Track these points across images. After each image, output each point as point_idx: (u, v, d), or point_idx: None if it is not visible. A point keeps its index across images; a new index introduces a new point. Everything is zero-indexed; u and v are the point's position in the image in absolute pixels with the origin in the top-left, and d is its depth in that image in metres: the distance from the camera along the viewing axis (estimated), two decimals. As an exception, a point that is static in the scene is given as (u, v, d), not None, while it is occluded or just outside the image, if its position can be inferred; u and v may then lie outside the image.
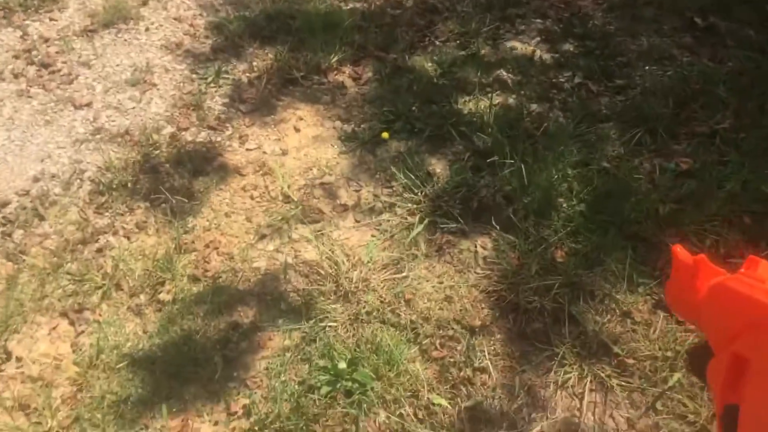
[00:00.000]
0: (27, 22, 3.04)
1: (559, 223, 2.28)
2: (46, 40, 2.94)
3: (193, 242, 2.25)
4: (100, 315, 2.04)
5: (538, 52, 3.17)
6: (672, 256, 0.69)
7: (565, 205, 2.36)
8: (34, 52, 2.89)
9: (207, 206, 2.38)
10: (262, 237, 2.28)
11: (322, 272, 2.14)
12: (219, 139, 2.65)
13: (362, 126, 2.71)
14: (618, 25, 3.43)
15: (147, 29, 3.10)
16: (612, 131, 2.72)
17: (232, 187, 2.46)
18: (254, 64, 3.02)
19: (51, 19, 3.07)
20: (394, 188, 2.43)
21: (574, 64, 3.10)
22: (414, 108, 2.73)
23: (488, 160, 2.49)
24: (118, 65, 2.90)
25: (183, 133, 2.64)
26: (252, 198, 2.42)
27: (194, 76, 2.92)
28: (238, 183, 2.48)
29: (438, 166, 2.52)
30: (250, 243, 2.26)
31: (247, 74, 2.96)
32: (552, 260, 2.18)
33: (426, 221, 2.26)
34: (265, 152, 2.60)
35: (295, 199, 2.39)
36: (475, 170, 2.48)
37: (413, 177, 2.41)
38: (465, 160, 2.52)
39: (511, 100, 2.84)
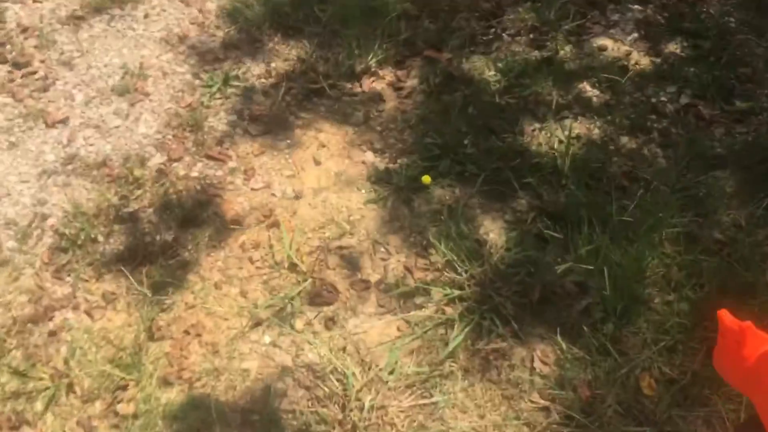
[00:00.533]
0: (6, 4, 2.52)
1: (649, 333, 1.68)
2: (25, 30, 2.43)
3: (170, 326, 1.77)
4: (41, 431, 1.60)
5: (634, 55, 2.47)
6: (718, 321, 0.64)
7: (658, 301, 1.74)
8: (8, 47, 2.39)
9: (194, 272, 1.88)
10: (258, 323, 1.77)
11: (327, 389, 1.63)
12: (219, 173, 2.12)
13: (399, 161, 2.12)
14: (740, 17, 2.66)
15: (146, 15, 2.54)
16: (728, 183, 2.04)
17: (229, 244, 1.95)
18: (272, 65, 2.43)
19: (35, 1, 2.55)
20: (432, 260, 1.86)
21: (680, 75, 2.39)
22: (467, 141, 2.12)
23: (558, 227, 1.88)
24: (106, 65, 2.38)
25: (174, 165, 2.12)
26: (251, 261, 1.90)
27: (197, 82, 2.36)
28: (236, 238, 1.96)
29: (492, 231, 1.92)
30: (242, 331, 1.76)
31: (263, 80, 2.39)
32: (636, 392, 1.60)
33: (468, 327, 1.70)
34: (274, 194, 2.06)
35: (304, 269, 1.86)
36: (540, 241, 1.88)
37: (457, 248, 1.83)
38: (527, 222, 1.91)
39: (595, 131, 2.18)
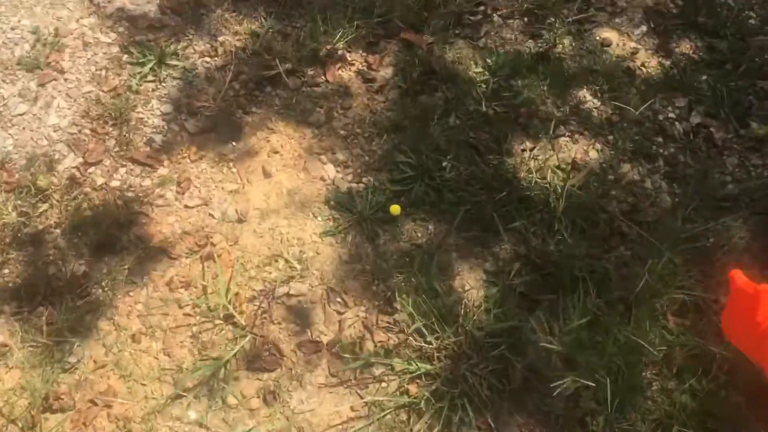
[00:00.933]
0: None
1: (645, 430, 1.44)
2: None
3: (73, 392, 1.46)
4: None
5: (641, 55, 2.12)
6: (730, 282, 0.56)
7: (656, 388, 1.50)
8: None
9: (107, 317, 1.55)
10: (182, 394, 1.47)
11: (262, 488, 1.36)
12: (146, 183, 1.74)
13: (364, 180, 1.78)
14: (762, 14, 2.31)
15: (65, -37, 2.06)
16: (740, 233, 1.77)
17: (153, 280, 1.61)
18: (219, 41, 2.01)
19: None
20: (397, 318, 1.57)
21: (692, 84, 2.06)
22: (446, 162, 1.78)
23: (546, 284, 1.60)
24: (13, 29, 1.92)
25: (91, 170, 1.74)
26: (179, 305, 1.58)
27: (125, 57, 1.94)
28: (163, 273, 1.62)
29: (469, 283, 1.63)
30: (163, 402, 1.46)
31: (206, 59, 1.97)
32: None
33: (434, 415, 1.43)
34: (212, 214, 1.71)
35: (243, 322, 1.55)
36: (525, 301, 1.59)
37: (427, 307, 1.54)
38: (511, 276, 1.62)
39: (593, 155, 1.86)
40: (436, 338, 1.51)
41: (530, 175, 1.77)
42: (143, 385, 1.48)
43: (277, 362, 1.51)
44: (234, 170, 1.79)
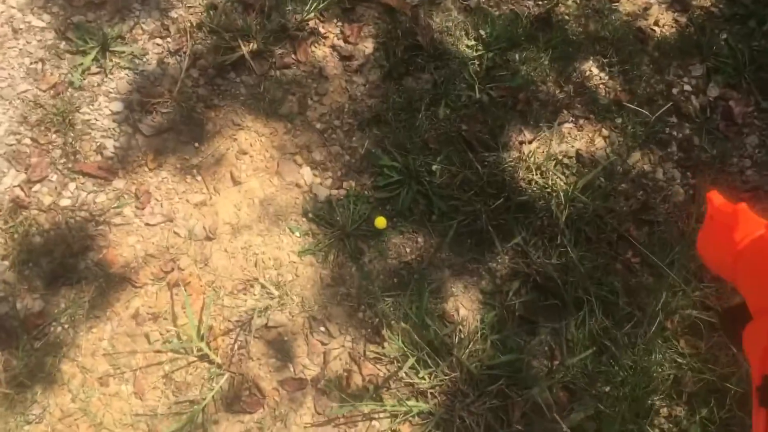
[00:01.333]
0: None
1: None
2: None
3: (41, 445, 1.35)
4: None
5: (654, 12, 1.89)
6: (707, 203, 0.60)
7: (664, 414, 1.41)
8: None
9: (70, 359, 1.42)
10: (158, 440, 1.37)
11: None
12: (100, 199, 1.56)
13: (345, 185, 1.60)
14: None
15: (-18, -74, 1.74)
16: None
17: (117, 313, 1.47)
18: (172, 18, 1.75)
19: None
20: (386, 353, 1.44)
21: (710, 46, 1.85)
22: (436, 166, 1.59)
23: (548, 305, 1.47)
24: (-73, 14, 1.65)
25: (36, 188, 1.54)
26: (148, 341, 1.45)
27: (64, 45, 1.68)
28: (126, 303, 1.47)
29: (464, 305, 1.50)
30: (137, 452, 1.36)
31: (157, 41, 1.72)
32: None
33: (430, 465, 1.34)
34: (177, 232, 1.54)
35: (219, 360, 1.42)
36: (525, 324, 1.47)
37: (418, 334, 1.41)
38: (509, 296, 1.49)
39: (600, 144, 1.68)
40: (430, 374, 1.39)
41: (530, 175, 1.59)
42: (115, 434, 1.38)
43: (258, 402, 1.40)
44: (198, 178, 1.60)
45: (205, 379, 1.41)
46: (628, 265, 1.54)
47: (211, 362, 1.42)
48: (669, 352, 1.43)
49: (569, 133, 1.67)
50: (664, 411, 1.41)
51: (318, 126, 1.67)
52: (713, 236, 0.59)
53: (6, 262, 1.47)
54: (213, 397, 1.39)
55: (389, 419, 1.39)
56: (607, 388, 1.40)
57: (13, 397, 1.38)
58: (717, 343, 1.45)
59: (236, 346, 1.44)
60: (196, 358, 1.42)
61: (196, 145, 1.63)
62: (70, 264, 1.49)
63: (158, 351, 1.44)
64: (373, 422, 1.39)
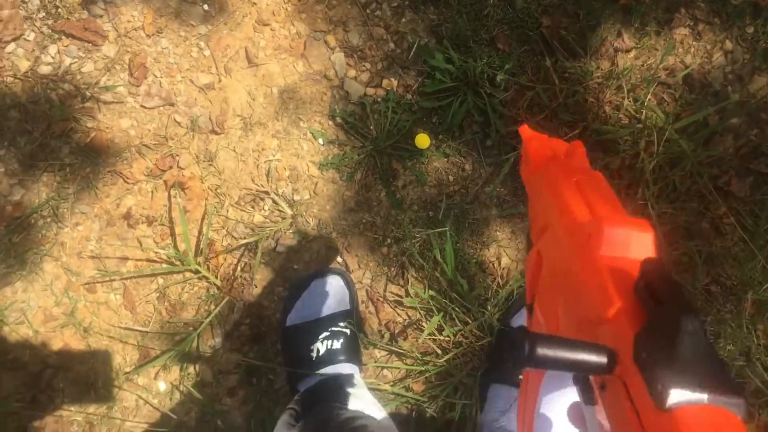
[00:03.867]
0: None
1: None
2: None
3: (22, 349, 1.25)
4: None
5: None
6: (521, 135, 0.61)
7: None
8: None
9: (53, 257, 1.26)
10: (147, 358, 1.25)
11: (238, 486, 1.22)
12: (87, 68, 1.28)
13: (384, 84, 1.28)
14: None
15: None
16: None
17: (107, 211, 1.28)
18: None
19: None
20: (409, 301, 1.25)
21: None
22: (502, 71, 1.25)
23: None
24: None
25: (10, 49, 1.27)
26: (141, 248, 1.27)
27: None
28: (118, 200, 1.28)
29: (507, 253, 1.26)
30: (127, 369, 1.25)
31: None
32: None
33: (440, 419, 1.20)
34: (178, 121, 1.29)
35: (218, 282, 1.25)
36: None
37: (447, 289, 1.21)
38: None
39: (717, 59, 1.30)
40: (456, 332, 1.20)
41: (620, 98, 1.24)
42: (104, 345, 1.26)
43: (260, 335, 1.25)
44: (206, 53, 1.29)
45: (203, 299, 1.25)
46: (718, 225, 1.26)
47: (209, 282, 1.25)
48: (742, 339, 1.20)
49: (682, 43, 1.29)
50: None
51: (358, -6, 1.31)
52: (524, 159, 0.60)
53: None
54: (210, 322, 1.24)
55: (403, 371, 1.23)
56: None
57: (-8, 295, 1.24)
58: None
59: (239, 268, 1.25)
60: (192, 275, 1.25)
61: (206, 7, 1.30)
62: (52, 146, 1.26)
63: (152, 260, 1.26)
64: (383, 371, 1.24)
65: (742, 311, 1.21)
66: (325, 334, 1.13)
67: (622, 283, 0.36)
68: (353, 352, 1.14)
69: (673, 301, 0.31)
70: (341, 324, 1.15)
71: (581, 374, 0.37)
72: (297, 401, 1.11)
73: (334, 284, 1.17)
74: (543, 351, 0.32)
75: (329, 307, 1.16)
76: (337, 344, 1.12)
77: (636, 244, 0.39)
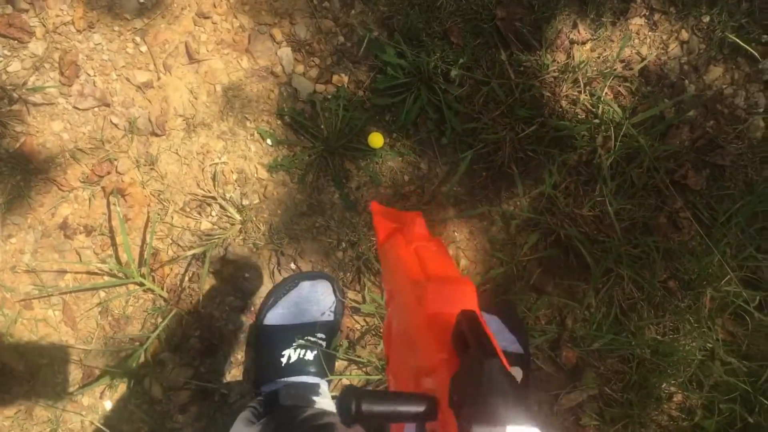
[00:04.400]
0: None
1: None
2: None
3: (-44, 372, 1.17)
4: None
5: None
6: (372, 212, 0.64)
7: (677, 401, 1.24)
8: None
9: (-15, 274, 1.18)
10: (91, 381, 1.19)
11: (193, 505, 1.17)
12: (14, 67, 1.19)
13: (335, 80, 1.23)
14: None
15: None
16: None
17: (42, 221, 1.20)
18: None
19: None
20: (365, 307, 1.21)
21: None
22: (456, 66, 1.20)
23: (575, 262, 1.22)
24: None
25: None
26: (80, 260, 1.19)
27: None
28: (53, 209, 1.20)
29: (466, 255, 1.23)
30: (70, 389, 1.18)
31: None
32: None
33: None
34: (114, 123, 1.21)
35: (163, 293, 1.19)
36: (537, 287, 1.22)
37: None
38: (522, 250, 1.21)
39: (673, 50, 1.29)
40: (414, 337, 1.16)
41: (576, 92, 1.21)
42: (44, 364, 1.18)
43: (211, 347, 1.19)
44: (143, 48, 1.21)
45: (149, 312, 1.19)
46: (675, 220, 1.25)
47: (155, 294, 1.18)
48: (700, 334, 1.20)
49: (638, 33, 1.26)
50: (678, 397, 1.23)
51: (305, -15, 1.24)
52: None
53: None
54: (158, 335, 1.18)
55: (363, 380, 1.19)
56: (618, 367, 1.19)
57: None
58: (761, 331, 1.22)
59: (187, 278, 1.19)
60: (137, 287, 1.18)
61: (141, -1, 1.21)
62: (-23, 154, 1.17)
63: (92, 273, 1.19)
64: (344, 380, 1.20)
65: (700, 307, 1.21)
66: (300, 342, 1.09)
67: (444, 335, 0.39)
68: (324, 365, 1.10)
69: (478, 347, 0.34)
70: (319, 335, 1.10)
71: (416, 423, 0.40)
72: (259, 401, 1.07)
73: (322, 290, 1.13)
74: (368, 407, 0.35)
75: (311, 315, 1.11)
76: (309, 355, 1.08)
77: (458, 299, 0.42)
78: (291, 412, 0.97)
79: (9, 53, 1.18)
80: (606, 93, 1.20)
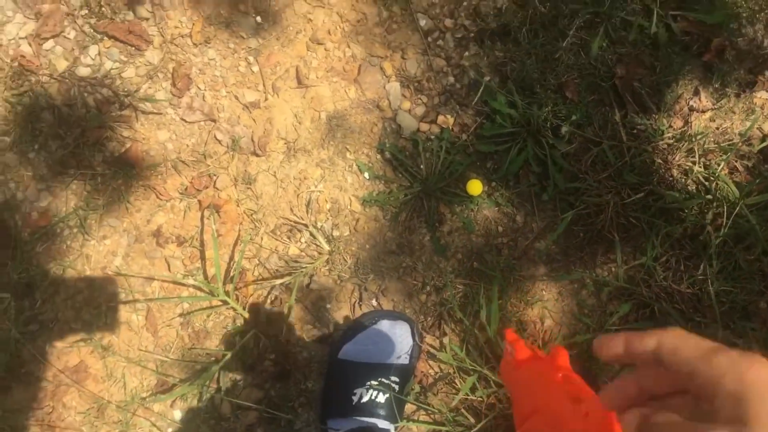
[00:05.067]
0: None
1: None
2: None
3: (36, 361, 1.20)
4: None
5: None
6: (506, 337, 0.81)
7: None
8: None
9: (76, 270, 1.21)
10: (165, 387, 1.20)
11: None
12: (128, 73, 1.22)
13: (440, 120, 1.21)
14: None
15: None
16: None
17: (136, 226, 1.22)
18: None
19: None
20: (442, 356, 1.19)
21: None
22: (567, 122, 1.17)
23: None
24: None
25: (48, 46, 1.20)
26: (168, 268, 1.21)
27: None
28: (149, 216, 1.22)
29: (552, 315, 1.19)
30: (144, 394, 1.20)
31: None
32: None
33: (464, 503, 1.15)
34: (219, 139, 1.22)
35: (245, 314, 1.19)
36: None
37: (485, 349, 1.15)
38: (611, 318, 1.17)
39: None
40: (489, 394, 1.14)
41: (689, 163, 1.16)
42: (121, 366, 1.21)
43: (285, 373, 1.19)
44: (255, 68, 1.22)
45: (228, 329, 1.19)
46: (775, 304, 1.18)
47: (237, 312, 1.19)
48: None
49: (762, 108, 1.20)
50: None
51: (422, 23, 1.22)
52: (505, 362, 0.81)
53: (7, 139, 1.18)
54: (235, 355, 1.18)
55: (432, 427, 1.17)
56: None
57: (9, 302, 1.19)
58: None
59: (269, 301, 1.19)
60: (220, 303, 1.19)
61: (258, 19, 1.22)
62: (85, 154, 1.20)
63: (178, 283, 1.21)
64: (411, 426, 1.18)
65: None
66: (374, 382, 1.07)
67: None
68: (394, 409, 1.08)
69: None
70: (393, 378, 1.09)
71: None
72: None
73: (401, 332, 1.11)
74: None
75: (388, 355, 1.09)
76: (381, 398, 1.07)
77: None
78: None
79: (125, 59, 1.20)
80: (722, 168, 1.15)
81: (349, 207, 1.20)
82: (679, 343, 0.38)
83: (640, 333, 0.40)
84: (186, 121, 1.21)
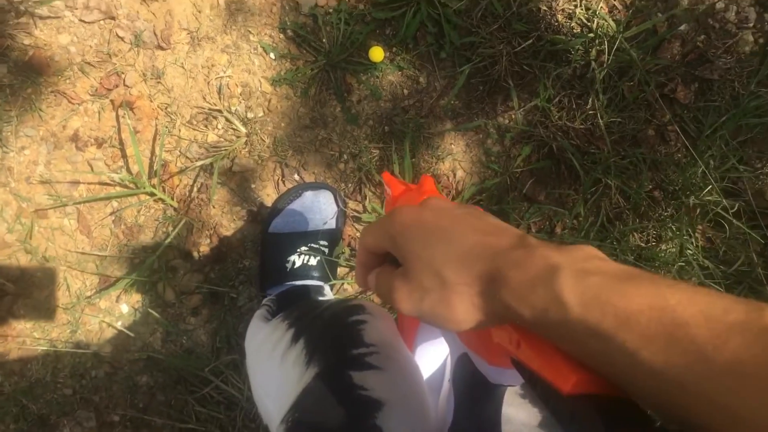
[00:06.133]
0: None
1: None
2: None
3: (-21, 277, 1.23)
4: None
5: None
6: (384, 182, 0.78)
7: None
8: None
9: (1, 183, 1.23)
10: (108, 286, 1.26)
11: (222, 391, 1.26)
12: (16, -19, 1.20)
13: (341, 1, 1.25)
14: None
15: None
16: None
17: (53, 134, 1.24)
18: None
19: None
20: (366, 217, 1.27)
21: None
22: (455, -22, 1.23)
23: (565, 173, 1.28)
24: None
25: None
26: (92, 170, 1.25)
27: None
28: (63, 122, 1.24)
29: (462, 166, 1.28)
30: (88, 294, 1.25)
31: None
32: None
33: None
34: (121, 36, 1.24)
35: (173, 203, 1.24)
36: (528, 197, 1.29)
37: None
38: (516, 161, 1.27)
39: (669, -30, 1.30)
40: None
41: (572, 6, 1.24)
42: (62, 270, 1.25)
43: (222, 255, 1.26)
44: (147, -39, 1.22)
45: (160, 221, 1.25)
46: (662, 133, 1.30)
47: (166, 204, 1.24)
48: (681, 242, 1.27)
49: (634, -51, 1.28)
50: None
51: None
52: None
53: None
54: (170, 244, 1.24)
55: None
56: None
57: (-61, 222, 1.21)
58: (738, 238, 1.29)
59: (195, 189, 1.24)
60: (148, 197, 1.24)
61: None
62: (-14, 66, 1.19)
63: (105, 183, 1.24)
64: (345, 286, 1.27)
65: (682, 215, 1.28)
66: (304, 248, 1.15)
67: None
68: (327, 270, 1.16)
69: None
70: (322, 242, 1.16)
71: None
72: (272, 300, 1.13)
73: (324, 200, 1.18)
74: None
75: (314, 223, 1.16)
76: (313, 261, 1.14)
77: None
78: (311, 302, 1.03)
79: (12, -35, 1.19)
80: (601, 7, 1.23)
81: (259, 88, 1.24)
82: (366, 241, 0.50)
83: (362, 262, 0.52)
84: (85, 22, 1.21)
